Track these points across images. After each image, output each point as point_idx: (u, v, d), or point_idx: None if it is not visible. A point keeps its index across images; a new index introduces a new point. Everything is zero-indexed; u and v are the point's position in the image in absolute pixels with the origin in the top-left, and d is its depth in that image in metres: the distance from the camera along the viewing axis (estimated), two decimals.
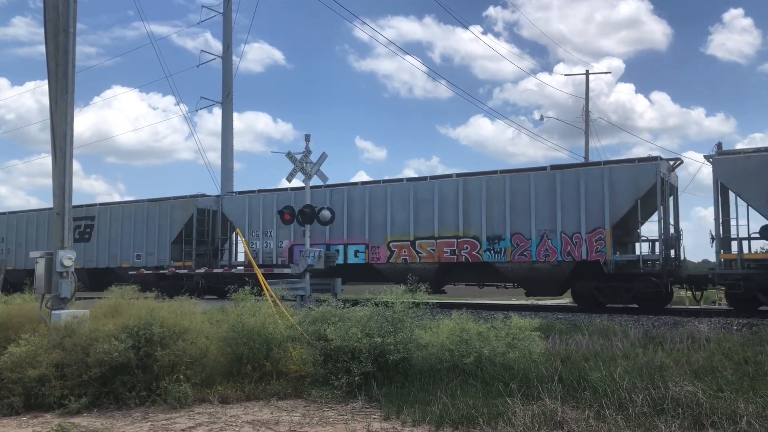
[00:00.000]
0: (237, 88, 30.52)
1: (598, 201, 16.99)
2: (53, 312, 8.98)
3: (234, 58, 28.89)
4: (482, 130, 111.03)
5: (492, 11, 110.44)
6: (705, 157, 16.24)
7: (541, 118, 39.62)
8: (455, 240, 18.77)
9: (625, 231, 17.42)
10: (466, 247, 18.65)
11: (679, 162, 17.78)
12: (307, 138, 15.75)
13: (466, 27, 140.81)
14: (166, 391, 7.47)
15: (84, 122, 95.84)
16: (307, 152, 15.56)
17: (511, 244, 17.96)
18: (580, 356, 8.92)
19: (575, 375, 7.45)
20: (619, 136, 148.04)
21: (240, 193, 23.99)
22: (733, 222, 15.80)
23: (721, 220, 15.81)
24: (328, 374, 8.03)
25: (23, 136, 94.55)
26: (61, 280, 9.32)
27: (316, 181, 16.40)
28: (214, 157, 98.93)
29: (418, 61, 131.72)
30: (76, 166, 9.49)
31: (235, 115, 30.58)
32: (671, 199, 17.57)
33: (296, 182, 16.67)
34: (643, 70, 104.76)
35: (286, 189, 21.95)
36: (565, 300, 22.04)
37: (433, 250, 19.13)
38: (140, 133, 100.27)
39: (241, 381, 8.13)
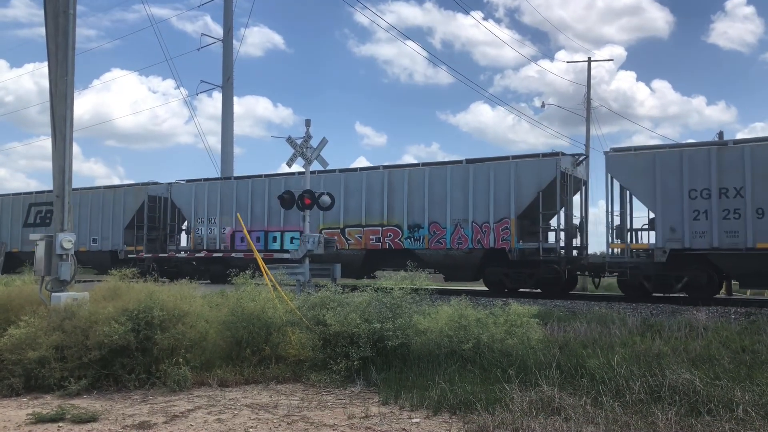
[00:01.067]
0: (237, 72, 30.46)
1: (505, 193, 18.48)
2: (53, 294, 9.01)
3: (234, 42, 28.75)
4: (482, 116, 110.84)
5: None
6: (604, 153, 17.50)
7: (543, 105, 39.62)
8: (380, 228, 20.28)
9: (533, 221, 18.58)
10: (390, 235, 20.13)
11: (583, 157, 19.21)
12: (308, 123, 15.68)
13: (467, 12, 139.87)
14: (165, 374, 7.50)
15: (83, 105, 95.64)
16: (308, 137, 15.49)
17: (428, 233, 19.46)
18: (578, 343, 8.96)
19: (573, 362, 7.48)
20: (619, 123, 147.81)
21: (188, 181, 25.36)
22: (622, 214, 17.18)
23: (617, 213, 17.13)
24: (327, 359, 8.07)
25: (22, 119, 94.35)
26: (61, 262, 9.34)
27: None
28: (214, 142, 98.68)
29: (419, 45, 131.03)
30: (75, 149, 9.50)
31: (235, 99, 30.54)
32: (580, 191, 19.19)
33: (239, 172, 16.99)
34: (645, 58, 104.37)
35: (229, 178, 24.23)
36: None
37: (361, 237, 20.56)
38: (139, 117, 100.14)
39: (240, 365, 8.16)
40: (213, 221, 23.48)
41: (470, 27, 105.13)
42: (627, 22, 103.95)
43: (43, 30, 9.83)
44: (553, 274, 17.46)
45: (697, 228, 15.50)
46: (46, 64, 9.82)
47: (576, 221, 18.79)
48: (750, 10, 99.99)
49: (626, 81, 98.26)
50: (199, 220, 23.89)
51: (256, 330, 8.43)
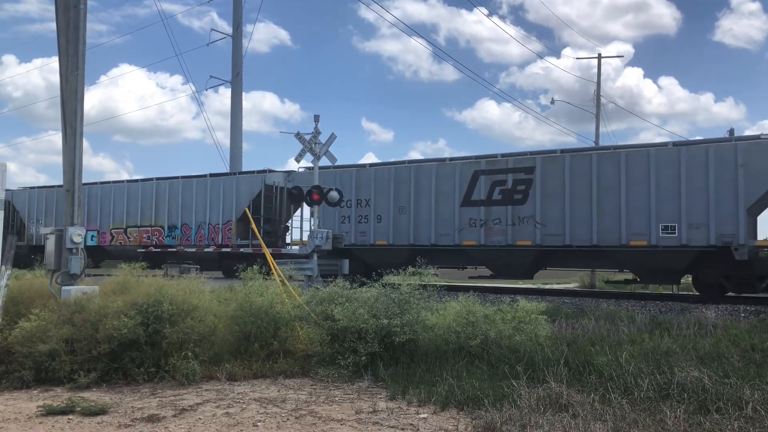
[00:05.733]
0: (244, 67, 30.52)
1: (230, 201, 23.44)
2: (63, 288, 9.06)
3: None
4: (488, 113, 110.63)
5: None
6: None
7: (552, 101, 39.31)
8: (150, 228, 25.29)
9: (248, 223, 22.70)
10: (156, 234, 25.11)
11: (293, 172, 22.98)
12: (317, 118, 15.67)
13: (471, 8, 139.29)
14: (174, 368, 7.53)
15: (90, 100, 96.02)
16: (317, 133, 15.49)
17: (181, 232, 24.56)
18: (586, 340, 8.93)
19: (581, 359, 7.46)
20: (627, 120, 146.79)
21: (27, 189, 30.23)
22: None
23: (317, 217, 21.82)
24: (335, 354, 8.08)
25: (31, 114, 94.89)
26: (71, 256, 9.39)
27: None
28: (221, 137, 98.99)
29: (426, 41, 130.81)
30: (84, 144, 9.50)
31: (243, 95, 30.59)
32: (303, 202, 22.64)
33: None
34: (652, 55, 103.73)
35: (53, 187, 28.32)
36: (572, 284, 22.17)
37: (137, 235, 25.67)
38: (147, 112, 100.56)
39: (248, 359, 8.19)
40: (41, 222, 28.31)
41: (474, 23, 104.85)
42: (633, 18, 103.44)
43: (54, 25, 9.87)
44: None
45: (344, 229, 20.25)
46: (54, 59, 9.90)
47: (289, 223, 23.89)
48: (755, 6, 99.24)
49: (633, 78, 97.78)
50: (31, 221, 28.91)
51: (264, 325, 8.45)
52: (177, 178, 25.01)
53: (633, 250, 16.45)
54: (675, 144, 16.63)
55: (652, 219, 16.15)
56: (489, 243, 18.09)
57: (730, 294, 16.23)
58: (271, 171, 23.13)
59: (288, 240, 24.01)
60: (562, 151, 17.58)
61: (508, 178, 18.11)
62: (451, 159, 19.36)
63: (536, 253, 17.69)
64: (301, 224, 22.47)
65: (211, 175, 24.18)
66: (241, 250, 22.60)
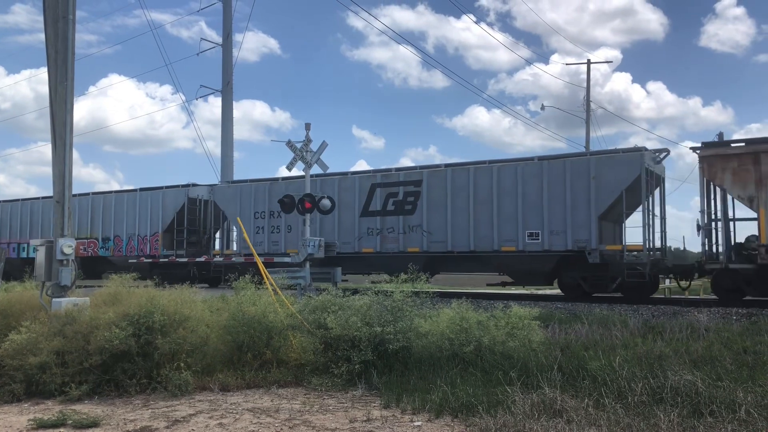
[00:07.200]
0: (234, 76, 30.53)
1: (157, 214, 25.09)
2: (54, 300, 9.00)
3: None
4: (478, 120, 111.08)
5: (484, 1, 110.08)
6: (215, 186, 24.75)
7: (543, 107, 39.46)
8: (86, 240, 26.63)
9: (180, 234, 25.26)
10: (92, 245, 26.75)
11: (215, 185, 25.03)
12: (308, 126, 15.65)
13: (462, 12, 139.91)
14: (166, 379, 7.48)
15: (79, 111, 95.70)
16: (308, 141, 15.48)
17: (114, 243, 26.16)
18: (579, 345, 8.93)
19: (574, 364, 7.47)
20: (617, 125, 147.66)
21: None
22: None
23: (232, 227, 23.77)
24: (328, 362, 8.05)
25: (20, 125, 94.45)
26: (62, 267, 9.34)
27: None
28: (212, 146, 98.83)
29: (415, 48, 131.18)
30: (74, 154, 9.49)
31: (233, 103, 30.52)
32: (221, 213, 24.24)
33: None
34: (639, 60, 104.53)
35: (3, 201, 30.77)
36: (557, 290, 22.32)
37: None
38: (137, 122, 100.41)
39: (241, 369, 8.15)
40: None
41: (462, 31, 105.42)
42: (620, 24, 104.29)
43: (42, 35, 9.84)
44: (185, 273, 23.26)
45: (258, 239, 21.89)
46: (43, 69, 9.93)
47: (217, 235, 25.66)
48: (740, 11, 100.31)
49: (621, 83, 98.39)
50: None
51: (257, 334, 8.42)
52: (110, 192, 27.11)
53: (505, 255, 18.11)
54: (539, 158, 18.09)
55: (519, 227, 17.83)
56: (384, 250, 19.85)
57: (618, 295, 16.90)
58: (194, 185, 25.07)
59: (212, 250, 25.58)
60: (446, 165, 19.32)
61: (399, 191, 19.90)
62: (353, 173, 20.99)
63: (425, 259, 19.09)
64: (228, 235, 24.69)
65: (141, 189, 25.90)
66: (177, 259, 24.12)
